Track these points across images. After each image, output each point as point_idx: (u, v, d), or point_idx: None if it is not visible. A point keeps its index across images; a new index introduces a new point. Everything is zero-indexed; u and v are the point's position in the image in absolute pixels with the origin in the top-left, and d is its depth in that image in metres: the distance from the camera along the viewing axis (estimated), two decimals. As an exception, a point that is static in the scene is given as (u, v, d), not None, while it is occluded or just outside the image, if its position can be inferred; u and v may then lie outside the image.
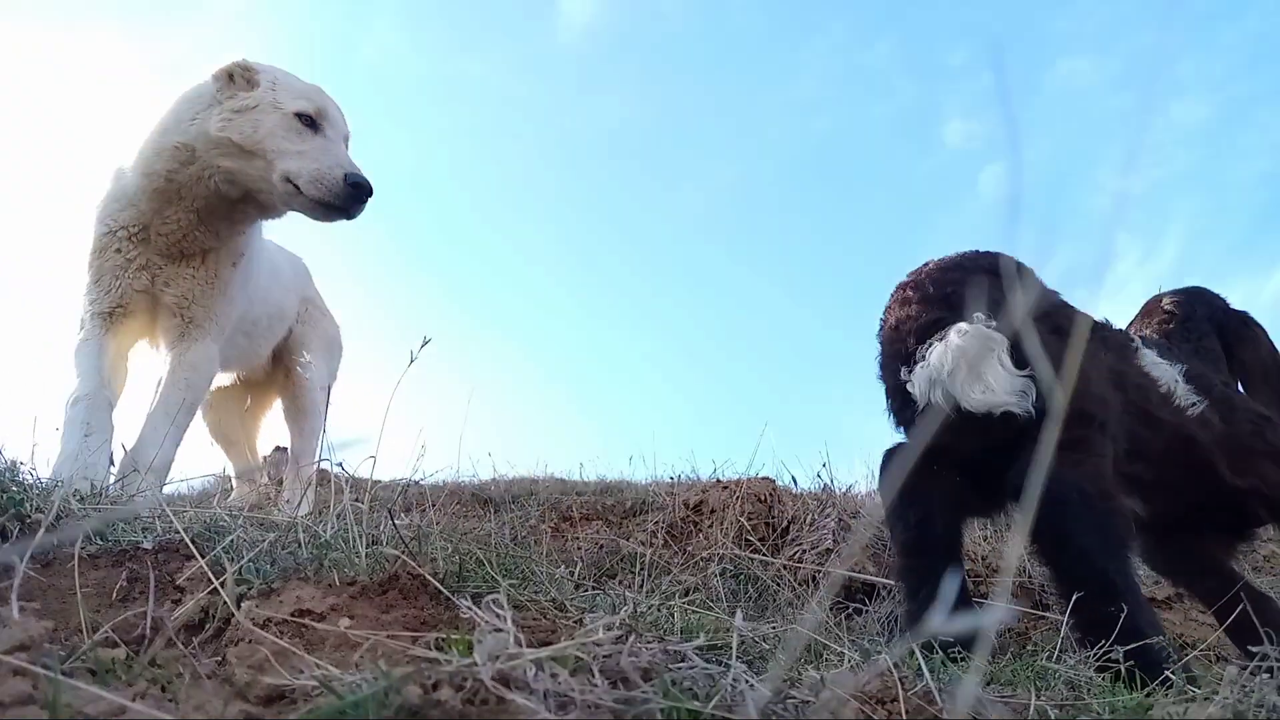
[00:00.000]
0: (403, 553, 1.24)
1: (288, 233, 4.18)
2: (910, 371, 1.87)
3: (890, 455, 2.15)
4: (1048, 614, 2.73)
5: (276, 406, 4.17)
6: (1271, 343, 2.74)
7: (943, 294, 1.99)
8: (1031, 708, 1.15)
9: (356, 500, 1.68)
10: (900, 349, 1.95)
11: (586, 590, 1.68)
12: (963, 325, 1.81)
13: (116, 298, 2.91)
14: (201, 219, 2.89)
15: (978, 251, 2.25)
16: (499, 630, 0.98)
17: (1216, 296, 2.79)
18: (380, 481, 5.20)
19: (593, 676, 0.95)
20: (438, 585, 1.16)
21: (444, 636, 1.02)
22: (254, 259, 3.19)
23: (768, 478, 3.93)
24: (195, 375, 2.98)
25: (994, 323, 1.80)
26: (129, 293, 2.92)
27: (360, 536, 1.44)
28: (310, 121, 2.81)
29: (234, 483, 4.05)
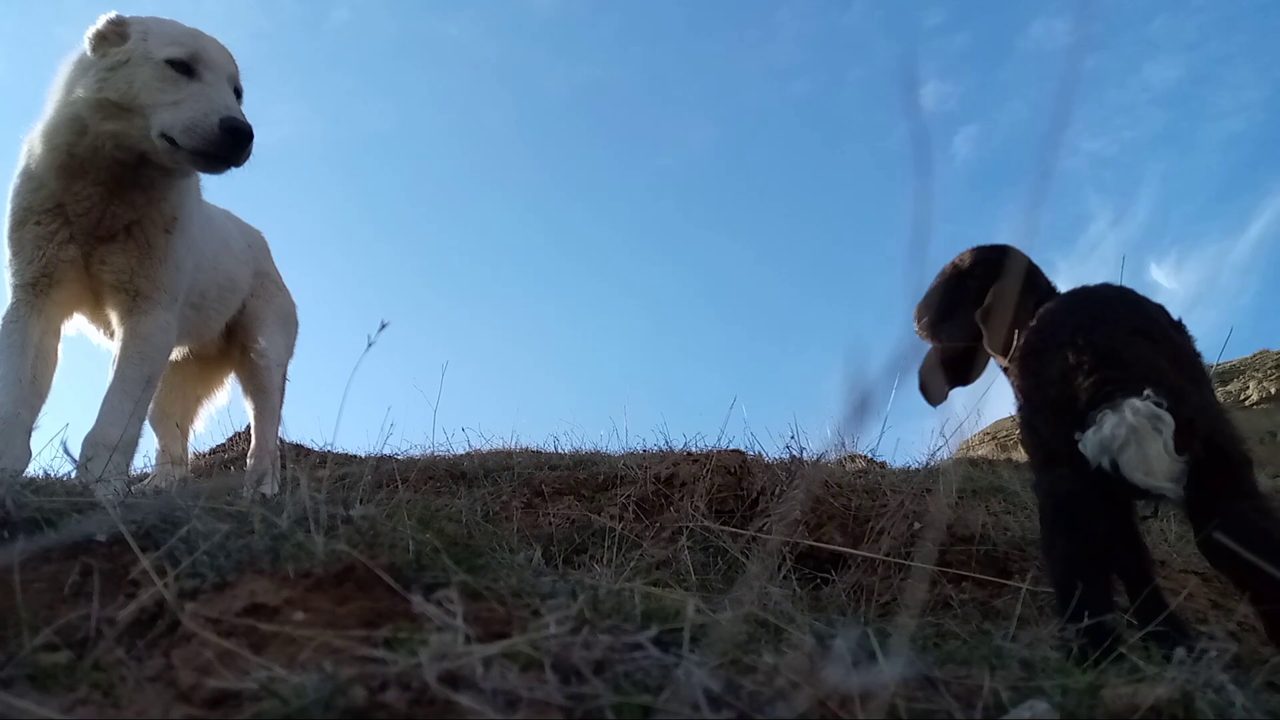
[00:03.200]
0: (355, 548, 1.23)
1: (245, 204, 4.10)
2: (1083, 433, 1.96)
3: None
4: (1009, 582, 2.77)
5: (226, 386, 4.10)
6: None
7: (1112, 351, 2.06)
8: (985, 689, 1.16)
9: (315, 486, 1.65)
10: (1070, 404, 2.03)
11: (551, 573, 1.68)
12: (1136, 403, 1.89)
13: (40, 267, 2.81)
14: (112, 191, 2.78)
15: (1123, 294, 2.33)
16: (448, 627, 0.98)
17: None
18: (356, 456, 5.21)
19: (543, 672, 0.95)
20: (389, 581, 1.15)
21: (392, 637, 1.01)
22: (193, 225, 3.08)
23: (737, 450, 3.95)
24: (149, 347, 2.90)
25: (1164, 402, 1.88)
26: (55, 263, 2.81)
27: (318, 527, 1.43)
28: (185, 68, 2.67)
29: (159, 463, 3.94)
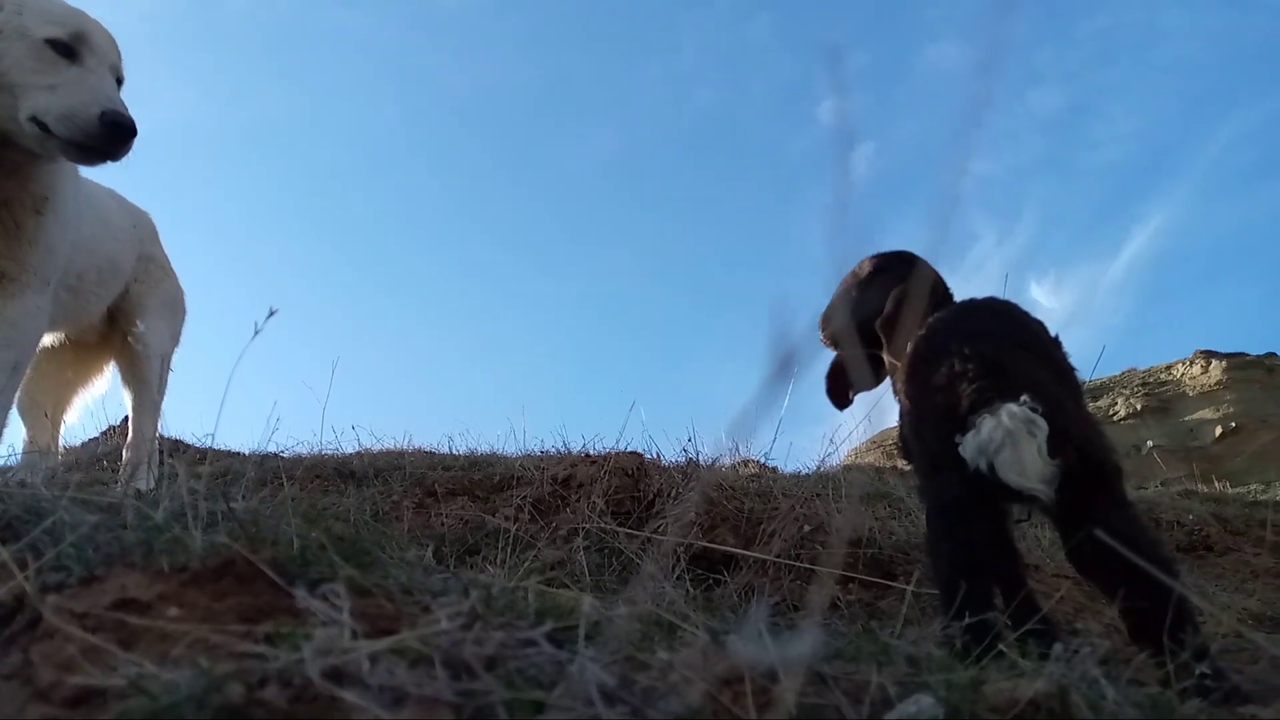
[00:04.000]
0: (236, 541, 1.17)
1: (129, 188, 3.89)
2: (963, 436, 2.01)
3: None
4: (894, 584, 2.85)
5: (105, 375, 3.89)
6: None
7: (995, 361, 2.13)
8: (873, 684, 1.18)
9: (194, 478, 1.58)
10: (953, 409, 2.09)
11: (443, 571, 1.64)
12: (1012, 408, 1.96)
13: None
14: None
15: (1008, 308, 2.43)
16: (334, 622, 0.94)
17: None
18: (238, 453, 5.00)
19: (433, 668, 0.92)
20: (271, 574, 1.10)
21: (274, 632, 0.97)
22: (67, 205, 2.91)
23: (635, 452, 3.96)
24: (16, 333, 2.73)
25: (1039, 408, 1.95)
26: None
27: (196, 521, 1.36)
28: (66, 49, 2.51)
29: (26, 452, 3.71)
